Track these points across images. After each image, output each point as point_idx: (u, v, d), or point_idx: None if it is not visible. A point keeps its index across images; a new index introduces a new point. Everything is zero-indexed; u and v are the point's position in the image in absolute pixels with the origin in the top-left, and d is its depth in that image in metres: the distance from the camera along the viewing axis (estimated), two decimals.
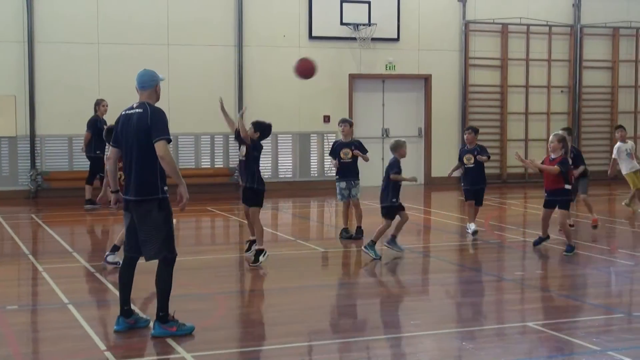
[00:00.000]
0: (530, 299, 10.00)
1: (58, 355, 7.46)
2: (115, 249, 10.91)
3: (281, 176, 20.62)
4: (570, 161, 13.39)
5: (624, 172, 15.68)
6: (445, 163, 21.15)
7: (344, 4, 20.58)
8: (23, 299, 9.85)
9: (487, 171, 13.97)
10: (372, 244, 11.86)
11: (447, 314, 9.22)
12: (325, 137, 20.82)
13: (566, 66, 22.96)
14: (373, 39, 20.75)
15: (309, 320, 8.67)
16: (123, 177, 10.63)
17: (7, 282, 10.49)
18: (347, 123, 13.65)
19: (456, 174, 14.27)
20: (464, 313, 9.34)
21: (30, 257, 11.96)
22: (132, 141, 7.77)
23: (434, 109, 21.79)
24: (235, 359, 7.48)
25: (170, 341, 7.67)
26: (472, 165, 13.46)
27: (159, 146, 7.61)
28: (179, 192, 7.78)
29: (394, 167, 11.88)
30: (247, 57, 20.10)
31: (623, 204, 16.21)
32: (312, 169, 20.91)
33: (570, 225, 13.11)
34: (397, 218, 12.07)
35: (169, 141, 7.73)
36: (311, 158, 20.87)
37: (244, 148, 11.36)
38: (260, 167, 11.48)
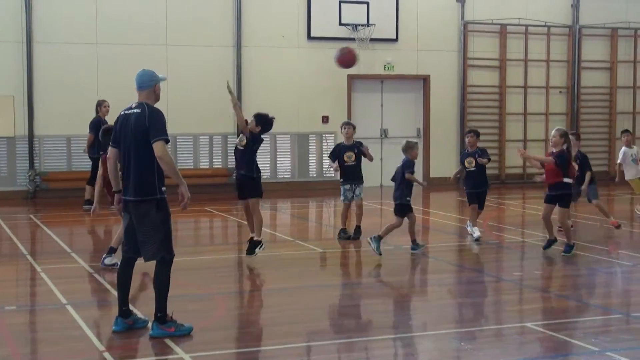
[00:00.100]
0: (529, 300, 10.01)
1: (56, 355, 7.46)
2: (112, 250, 10.91)
3: (280, 176, 20.62)
4: (576, 167, 13.43)
5: (627, 177, 15.58)
6: (444, 163, 21.28)
7: (342, 5, 20.58)
8: (21, 300, 9.84)
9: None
10: (379, 238, 11.92)
11: (446, 315, 9.22)
12: (324, 138, 20.81)
13: (565, 67, 22.97)
14: (372, 40, 20.76)
15: (307, 321, 8.67)
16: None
17: (5, 282, 10.49)
18: (351, 126, 13.65)
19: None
20: (463, 313, 9.34)
21: (29, 257, 11.96)
22: (130, 141, 7.77)
23: (433, 109, 21.80)
24: None
25: (168, 342, 7.67)
26: (473, 169, 13.41)
27: (157, 147, 7.61)
28: (180, 192, 7.78)
29: (409, 166, 12.07)
30: (245, 58, 20.10)
31: (636, 212, 16.04)
32: (310, 170, 20.91)
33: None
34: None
35: (167, 141, 7.73)
36: (310, 158, 20.87)
37: (243, 137, 11.35)
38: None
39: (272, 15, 20.35)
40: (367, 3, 20.67)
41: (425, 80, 21.77)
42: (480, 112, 22.22)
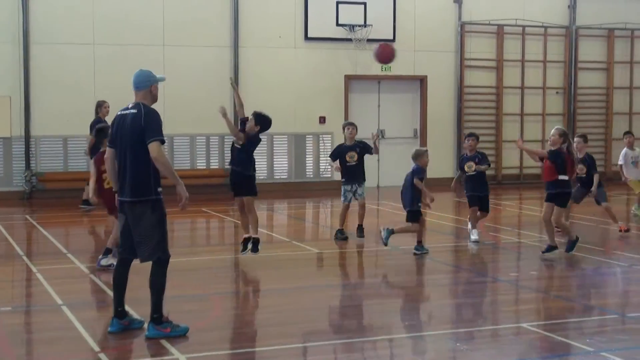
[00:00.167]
0: (525, 300, 10.02)
1: (52, 356, 7.45)
2: (107, 251, 10.91)
3: (276, 177, 20.62)
4: (584, 169, 13.44)
5: (628, 177, 15.56)
6: (441, 164, 21.28)
7: (339, 5, 20.58)
8: (17, 301, 9.82)
9: None
10: (391, 231, 12.06)
11: (442, 315, 9.22)
12: (320, 138, 20.81)
13: (561, 67, 22.99)
14: (369, 40, 20.73)
15: (303, 322, 8.67)
16: (107, 180, 10.65)
17: (1, 283, 10.48)
18: (354, 126, 13.63)
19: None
20: (459, 314, 9.34)
21: (25, 258, 11.95)
22: (126, 142, 7.77)
23: (430, 110, 21.80)
24: None
25: (164, 342, 7.66)
26: (473, 173, 13.34)
27: (153, 147, 7.61)
28: (177, 192, 7.78)
29: (419, 173, 12.14)
30: (242, 58, 20.10)
31: (634, 212, 15.98)
32: (307, 170, 20.91)
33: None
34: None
35: (163, 142, 7.72)
36: (307, 159, 20.87)
37: (242, 135, 11.33)
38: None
39: (269, 16, 20.34)
40: (365, 3, 20.68)
41: (422, 80, 21.78)
42: (477, 112, 22.23)
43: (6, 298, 9.67)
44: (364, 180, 13.57)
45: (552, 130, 11.96)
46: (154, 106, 7.93)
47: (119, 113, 8.00)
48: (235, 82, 11.63)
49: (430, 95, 21.78)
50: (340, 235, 13.39)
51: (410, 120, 21.78)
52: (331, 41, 20.70)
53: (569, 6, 22.84)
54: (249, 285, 10.85)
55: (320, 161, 20.88)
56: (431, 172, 21.41)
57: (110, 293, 8.45)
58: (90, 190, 11.11)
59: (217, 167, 19.95)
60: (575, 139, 14.03)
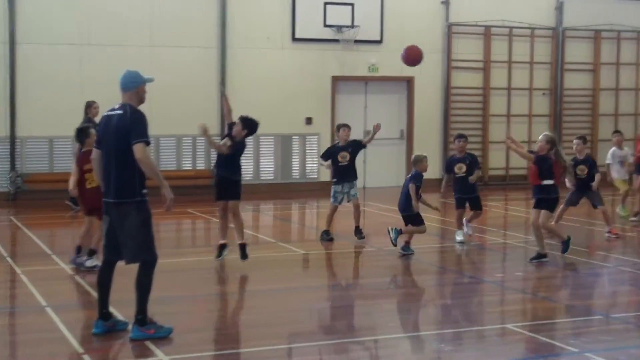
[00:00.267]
0: (510, 301, 10.04)
1: (35, 358, 7.43)
2: (92, 252, 10.88)
3: (263, 178, 20.58)
4: (585, 170, 13.45)
5: (613, 176, 15.59)
6: (428, 165, 21.23)
7: (327, 6, 20.57)
8: (0, 302, 9.76)
9: None
10: (399, 231, 12.11)
11: (427, 316, 9.24)
12: (307, 139, 20.80)
13: (548, 68, 23.04)
14: (356, 41, 20.75)
15: (288, 323, 8.67)
16: (89, 180, 10.61)
17: None
18: (349, 127, 13.62)
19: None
20: (443, 315, 9.36)
21: (9, 259, 11.89)
22: (112, 143, 7.76)
23: (417, 111, 21.81)
24: None
25: (149, 344, 7.65)
26: (464, 175, 13.34)
27: (137, 149, 7.59)
28: (162, 194, 7.75)
29: (417, 178, 12.15)
30: (229, 59, 20.07)
31: (618, 213, 15.96)
32: (293, 171, 20.89)
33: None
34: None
35: (148, 144, 7.70)
36: (293, 160, 20.84)
37: (228, 140, 11.30)
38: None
39: (257, 17, 20.31)
40: (352, 4, 20.67)
41: (409, 81, 21.78)
42: (464, 113, 22.26)
43: None
44: (356, 178, 13.55)
45: (540, 136, 11.93)
46: (141, 107, 7.92)
47: (105, 114, 8.00)
48: (223, 86, 11.58)
49: (417, 97, 21.80)
50: (326, 237, 13.38)
51: (397, 122, 21.78)
52: (318, 42, 20.68)
53: (555, 7, 22.89)
54: (234, 286, 10.82)
55: (307, 162, 20.86)
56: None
57: (95, 294, 8.41)
58: (70, 183, 11.03)
59: (203, 168, 19.90)
60: (575, 141, 14.09)
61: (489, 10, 22.16)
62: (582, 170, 13.67)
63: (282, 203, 18.94)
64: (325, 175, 20.73)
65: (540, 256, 11.74)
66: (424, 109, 21.82)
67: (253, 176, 20.25)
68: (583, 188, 13.72)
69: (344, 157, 13.40)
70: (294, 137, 20.77)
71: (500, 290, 10.52)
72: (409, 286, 11.14)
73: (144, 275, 7.81)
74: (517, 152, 12.27)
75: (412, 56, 12.96)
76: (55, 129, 18.56)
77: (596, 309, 9.44)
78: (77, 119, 16.74)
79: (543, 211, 11.71)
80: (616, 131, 16.68)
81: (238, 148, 11.34)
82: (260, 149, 20.40)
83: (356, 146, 13.52)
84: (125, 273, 8.07)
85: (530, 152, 12.00)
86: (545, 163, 11.59)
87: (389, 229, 12.16)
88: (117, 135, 7.69)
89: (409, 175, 12.36)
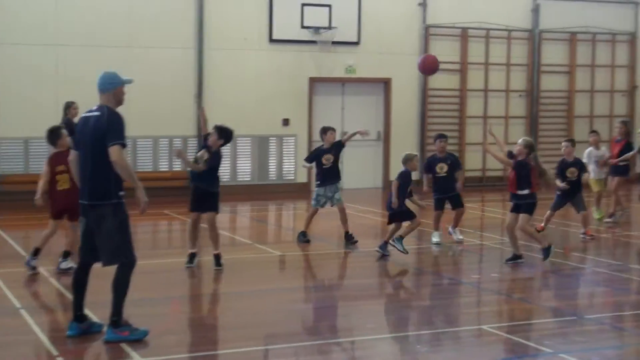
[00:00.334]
0: (486, 302, 10.08)
1: None
2: (66, 254, 10.81)
3: (239, 179, 20.55)
4: (576, 172, 13.53)
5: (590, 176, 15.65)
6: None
7: (304, 7, 20.56)
8: None
9: None
10: (400, 238, 12.11)
11: (403, 317, 9.26)
12: (284, 141, 20.79)
13: (525, 70, 23.14)
14: (333, 43, 20.76)
15: (265, 324, 8.66)
16: (60, 182, 10.53)
17: None
18: (334, 130, 13.61)
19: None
20: (420, 316, 9.38)
21: None
22: (88, 144, 7.72)
23: (394, 112, 21.85)
24: None
25: (124, 346, 7.62)
26: (445, 174, 13.35)
27: (113, 151, 7.55)
28: (137, 196, 7.71)
29: (403, 176, 12.19)
30: (207, 60, 20.02)
31: (592, 214, 15.96)
32: (270, 172, 20.87)
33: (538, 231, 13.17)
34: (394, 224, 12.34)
35: (124, 146, 7.66)
36: (270, 161, 20.82)
37: (205, 153, 11.23)
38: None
39: (234, 18, 20.28)
40: (329, 6, 20.68)
41: (386, 83, 21.82)
42: (441, 115, 22.32)
43: None
44: (339, 179, 13.51)
45: (519, 141, 11.92)
46: (118, 108, 7.88)
47: (83, 115, 7.99)
48: (200, 99, 11.52)
49: (394, 98, 21.84)
50: (303, 238, 13.36)
51: (374, 123, 21.80)
52: (296, 43, 20.68)
53: (532, 10, 23.01)
54: (210, 288, 10.80)
55: (284, 163, 20.84)
56: (394, 174, 21.58)
57: (70, 296, 8.37)
58: (38, 190, 10.91)
59: (179, 169, 19.84)
60: (564, 143, 14.13)
61: (465, 12, 22.24)
62: (572, 172, 13.70)
63: (259, 204, 18.91)
64: (303, 176, 20.79)
65: (515, 257, 11.77)
66: (401, 110, 21.87)
67: (230, 177, 20.21)
68: (570, 191, 13.73)
69: (328, 159, 13.37)
70: (271, 138, 20.75)
71: (476, 291, 10.56)
72: (386, 287, 11.16)
73: (122, 277, 7.77)
74: (496, 157, 12.28)
75: (429, 64, 12.89)
76: (30, 129, 18.42)
77: (571, 310, 9.48)
78: (53, 120, 16.61)
79: (522, 215, 11.67)
80: (593, 131, 16.77)
81: (215, 161, 11.28)
82: (237, 150, 20.37)
83: (338, 147, 13.52)
84: (102, 275, 8.04)
85: (510, 154, 11.98)
86: (524, 169, 11.55)
87: (391, 242, 12.13)
88: (93, 137, 7.65)
89: (398, 174, 12.33)
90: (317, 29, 20.54)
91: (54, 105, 17.20)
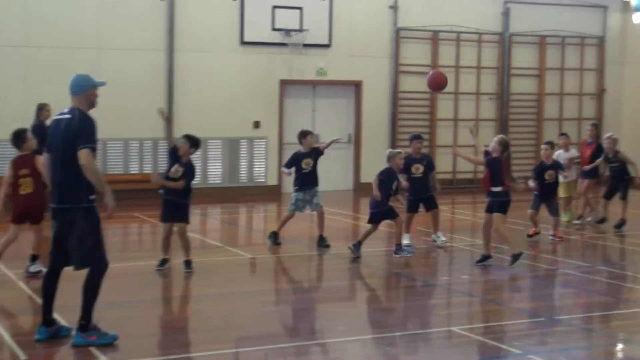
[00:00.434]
0: (456, 304, 10.12)
1: None
2: (34, 258, 10.72)
3: (210, 182, 20.48)
4: (554, 175, 13.62)
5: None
6: (375, 169, 21.28)
7: (275, 10, 20.53)
8: None
9: None
10: (358, 244, 12.25)
11: (374, 320, 9.28)
12: (254, 143, 20.74)
13: (495, 73, 23.25)
14: (305, 45, 20.75)
15: (235, 327, 8.65)
16: (23, 186, 10.43)
17: None
18: (313, 135, 13.54)
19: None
20: (390, 318, 9.40)
21: None
22: (59, 147, 7.67)
23: (365, 115, 21.87)
24: None
25: (93, 350, 7.58)
26: (420, 175, 13.32)
27: (82, 154, 7.49)
28: (104, 202, 7.65)
29: (383, 173, 12.28)
30: (177, 62, 19.93)
31: (565, 219, 15.98)
32: (241, 175, 20.82)
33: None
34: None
35: (94, 150, 7.61)
36: (240, 164, 20.77)
37: (179, 168, 11.17)
38: None
39: (205, 20, 20.21)
40: (301, 8, 20.66)
41: (357, 86, 21.85)
42: (412, 117, 22.36)
43: None
44: (317, 184, 13.36)
45: (495, 138, 12.00)
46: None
47: (54, 117, 7.96)
48: (165, 113, 11.40)
49: (365, 101, 21.86)
50: (274, 240, 13.30)
51: (345, 125, 21.81)
52: (267, 46, 20.64)
53: (502, 13, 23.13)
54: (180, 291, 10.76)
55: (254, 166, 20.79)
56: (365, 177, 21.69)
57: (39, 300, 8.30)
58: (1, 192, 10.77)
59: (150, 171, 19.70)
60: (543, 146, 14.24)
61: (436, 15, 22.31)
62: (550, 175, 13.77)
63: (230, 207, 18.85)
64: (273, 178, 20.77)
65: (485, 258, 11.83)
66: (372, 113, 21.90)
67: (200, 180, 20.12)
68: (548, 193, 13.78)
69: (307, 163, 13.26)
70: (241, 140, 20.71)
71: (446, 293, 10.61)
72: (356, 289, 11.18)
73: (93, 281, 7.72)
74: (467, 158, 12.36)
75: (437, 80, 12.87)
76: None
77: (541, 311, 9.54)
78: (21, 123, 16.46)
79: (496, 215, 11.71)
80: (562, 134, 16.88)
81: (192, 174, 11.27)
82: (208, 153, 20.29)
83: (317, 153, 13.42)
84: (72, 278, 7.98)
85: (487, 152, 11.99)
86: (496, 166, 11.60)
87: (395, 254, 12.21)
88: (64, 140, 7.61)
89: (379, 172, 12.36)
90: (288, 32, 20.52)
91: (22, 107, 17.04)
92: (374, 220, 12.30)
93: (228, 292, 10.30)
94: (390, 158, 12.33)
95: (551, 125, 23.46)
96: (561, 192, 15.39)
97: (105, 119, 17.85)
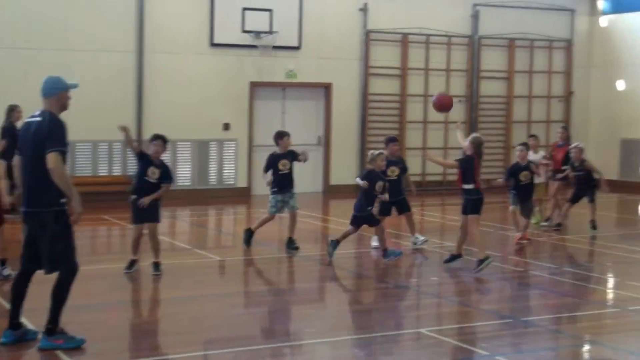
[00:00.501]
0: (425, 306, 10.18)
1: None
2: (3, 262, 10.63)
3: (179, 184, 20.37)
4: (529, 176, 13.66)
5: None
6: (345, 171, 21.47)
7: (245, 12, 20.51)
8: None
9: None
10: (336, 243, 12.24)
11: (342, 321, 9.29)
12: (224, 145, 20.70)
13: (464, 76, 23.37)
14: (274, 47, 20.74)
15: (204, 330, 8.62)
16: None
17: None
18: (289, 136, 13.45)
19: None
20: (359, 320, 9.43)
21: None
22: (29, 150, 7.62)
23: (334, 117, 21.90)
24: None
25: (60, 353, 7.53)
26: (395, 178, 13.28)
27: (50, 158, 7.42)
28: (71, 206, 7.59)
29: (366, 174, 12.24)
30: (147, 64, 19.85)
31: (533, 222, 16.00)
32: (210, 177, 20.77)
33: None
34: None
35: (64, 153, 7.56)
36: (210, 166, 20.72)
37: (156, 170, 11.15)
38: None
39: (175, 22, 20.14)
40: (271, 10, 20.65)
41: (327, 88, 21.87)
42: (381, 120, 22.42)
43: None
44: (293, 187, 13.29)
45: (469, 137, 12.05)
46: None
47: (26, 120, 7.90)
48: (126, 130, 11.34)
49: (334, 103, 21.90)
50: (248, 237, 13.20)
51: (315, 127, 21.84)
52: (237, 47, 20.62)
53: (471, 16, 23.25)
54: (149, 293, 10.73)
55: (224, 168, 20.76)
56: (334, 179, 21.77)
57: (5, 303, 8.24)
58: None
59: (119, 173, 19.66)
60: (518, 147, 14.24)
61: (406, 17, 22.40)
62: (526, 176, 13.81)
63: (199, 209, 18.81)
64: (243, 181, 20.77)
65: (453, 257, 11.91)
66: (341, 115, 21.93)
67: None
68: (524, 194, 13.85)
69: (284, 165, 13.16)
70: (211, 142, 20.67)
71: (415, 295, 10.65)
72: (326, 291, 11.19)
73: (62, 285, 7.66)
74: (439, 162, 12.44)
75: (443, 103, 12.84)
76: None
77: (508, 312, 9.61)
78: None
79: (470, 216, 11.73)
80: (532, 135, 16.98)
81: (168, 174, 11.29)
82: (177, 155, 20.23)
83: (294, 154, 13.34)
84: (42, 281, 7.92)
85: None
86: (467, 164, 11.65)
87: (385, 259, 12.18)
88: (34, 143, 7.55)
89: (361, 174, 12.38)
90: (258, 34, 20.50)
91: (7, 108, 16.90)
92: (355, 222, 12.30)
93: (197, 294, 10.28)
94: (372, 160, 12.32)
95: (520, 128, 23.62)
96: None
97: (74, 120, 17.80)
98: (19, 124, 15.71)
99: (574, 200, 15.52)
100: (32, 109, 7.92)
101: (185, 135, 19.90)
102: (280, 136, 13.35)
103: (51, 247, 7.58)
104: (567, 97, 24.50)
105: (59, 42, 18.95)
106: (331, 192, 21.48)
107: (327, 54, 21.60)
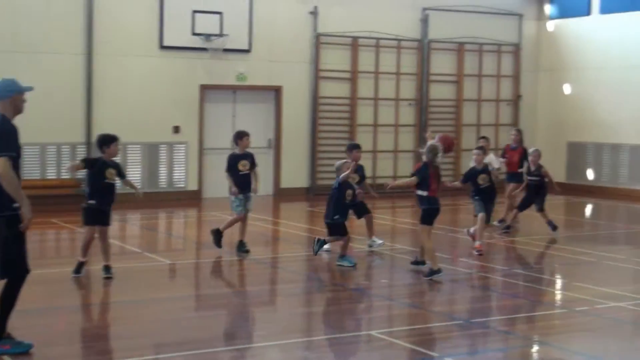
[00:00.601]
0: (375, 308, 10.21)
1: None
2: None
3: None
4: (487, 179, 13.66)
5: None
6: (295, 174, 21.50)
7: (195, 14, 20.42)
8: None
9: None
10: (323, 242, 12.36)
11: (292, 324, 9.30)
12: (174, 148, 20.59)
13: (414, 79, 23.51)
14: (225, 50, 20.69)
15: (154, 334, 8.59)
16: None
17: None
18: (249, 136, 13.39)
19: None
20: (309, 323, 9.45)
21: None
22: None
23: (285, 120, 21.90)
24: None
25: (7, 359, 7.43)
26: (356, 184, 13.28)
27: None
28: (21, 212, 7.47)
29: (341, 186, 12.21)
30: (96, 66, 19.67)
31: (494, 223, 16.05)
32: (160, 180, 20.64)
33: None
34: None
35: (12, 158, 7.46)
36: (160, 169, 20.59)
37: (112, 170, 11.15)
38: None
39: (124, 24, 19.99)
40: (221, 13, 20.59)
41: (277, 91, 21.87)
42: (332, 123, 22.48)
43: None
44: (251, 189, 13.28)
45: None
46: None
47: None
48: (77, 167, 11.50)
49: (285, 106, 21.90)
50: (217, 238, 13.14)
51: (265, 130, 21.82)
52: (187, 50, 20.53)
53: (421, 20, 23.40)
54: (98, 297, 10.62)
55: (174, 171, 20.64)
56: (285, 182, 21.77)
57: None
58: None
59: (67, 177, 19.45)
60: (475, 151, 14.08)
61: (356, 21, 22.48)
62: (484, 179, 13.76)
63: (149, 212, 18.67)
64: (193, 184, 20.67)
65: (417, 263, 11.96)
66: (292, 118, 21.94)
67: (119, 185, 19.84)
68: (486, 197, 13.87)
69: (244, 165, 13.11)
70: (161, 145, 20.54)
71: (366, 297, 10.69)
72: (275, 294, 11.18)
73: (11, 290, 7.55)
74: (401, 185, 12.55)
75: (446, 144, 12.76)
76: None
77: (458, 314, 9.70)
78: None
79: (420, 227, 11.72)
80: (482, 137, 17.11)
81: (122, 171, 11.54)
82: (127, 158, 20.06)
83: (253, 156, 13.29)
84: None
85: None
86: (422, 172, 11.63)
87: (340, 263, 12.17)
88: None
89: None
90: (208, 36, 20.44)
91: None
92: (331, 231, 12.33)
93: (147, 298, 10.22)
94: (338, 169, 12.36)
95: (469, 131, 23.83)
96: None
97: (22, 123, 17.61)
98: None
99: (522, 207, 15.67)
100: None
101: (135, 137, 19.75)
102: (240, 136, 13.33)
103: (3, 253, 7.47)
104: (516, 100, 24.79)
105: (5, 43, 18.69)
106: (281, 195, 21.48)
107: (277, 57, 21.59)
